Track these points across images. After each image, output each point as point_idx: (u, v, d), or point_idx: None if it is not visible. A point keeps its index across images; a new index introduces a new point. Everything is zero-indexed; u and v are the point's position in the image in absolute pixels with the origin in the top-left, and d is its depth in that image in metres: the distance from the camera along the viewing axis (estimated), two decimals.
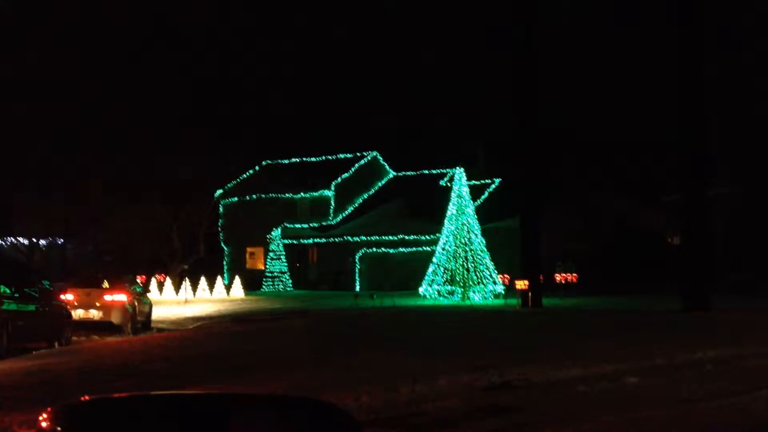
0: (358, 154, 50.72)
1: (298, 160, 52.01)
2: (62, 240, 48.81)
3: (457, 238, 32.54)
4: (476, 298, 31.57)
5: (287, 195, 48.09)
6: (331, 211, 47.34)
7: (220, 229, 48.98)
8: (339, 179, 47.83)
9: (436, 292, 32.14)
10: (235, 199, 49.01)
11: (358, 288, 41.05)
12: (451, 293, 31.82)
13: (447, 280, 32.12)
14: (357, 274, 43.26)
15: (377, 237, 43.60)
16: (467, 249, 32.36)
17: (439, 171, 48.00)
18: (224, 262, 48.88)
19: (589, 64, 72.54)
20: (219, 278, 41.09)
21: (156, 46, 49.94)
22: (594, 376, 10.78)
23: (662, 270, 34.74)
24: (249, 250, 49.14)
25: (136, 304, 20.70)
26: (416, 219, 43.43)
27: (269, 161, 52.62)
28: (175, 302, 32.94)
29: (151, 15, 53.90)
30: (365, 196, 49.65)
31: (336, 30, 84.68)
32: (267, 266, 43.98)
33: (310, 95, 79.27)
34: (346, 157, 50.63)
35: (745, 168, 40.61)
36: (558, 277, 33.18)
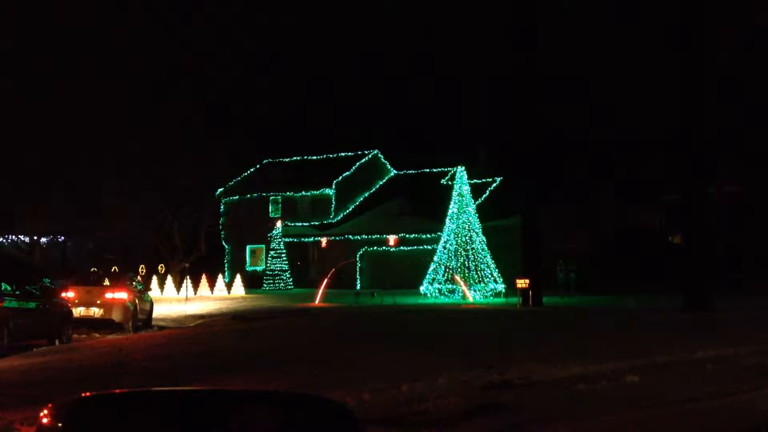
0: (359, 152, 50.71)
1: (299, 159, 52.01)
2: (63, 238, 48.88)
3: (458, 236, 32.53)
4: (477, 296, 31.56)
5: (288, 193, 48.10)
6: (332, 209, 47.35)
7: (221, 227, 48.99)
8: (340, 177, 47.81)
9: (437, 291, 32.14)
10: (236, 197, 49.00)
11: (359, 286, 41.05)
12: (452, 292, 31.81)
13: (448, 279, 32.11)
14: (358, 273, 43.27)
15: (378, 235, 43.63)
16: (468, 247, 32.35)
17: (440, 169, 47.99)
18: (225, 261, 48.89)
19: (590, 64, 72.51)
20: (220, 276, 41.11)
21: (157, 45, 49.96)
22: (594, 375, 10.79)
23: (663, 269, 34.71)
24: (250, 248, 49.15)
25: (137, 301, 20.69)
26: (417, 217, 43.42)
27: (270, 159, 52.62)
28: (176, 300, 32.96)
29: (151, 15, 53.91)
30: (366, 194, 49.64)
31: (337, 29, 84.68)
32: (268, 264, 43.98)
33: (311, 94, 79.26)
34: (347, 156, 50.62)
35: (744, 166, 40.61)
36: (558, 276, 33.18)
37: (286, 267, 43.26)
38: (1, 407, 8.97)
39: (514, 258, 30.45)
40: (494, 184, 45.25)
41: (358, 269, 42.96)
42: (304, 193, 47.95)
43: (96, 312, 19.90)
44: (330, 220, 47.01)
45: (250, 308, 28.72)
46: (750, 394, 9.34)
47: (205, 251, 45.75)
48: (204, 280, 39.53)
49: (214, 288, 39.64)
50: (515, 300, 27.81)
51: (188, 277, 35.94)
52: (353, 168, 48.90)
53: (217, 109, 50.82)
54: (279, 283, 42.83)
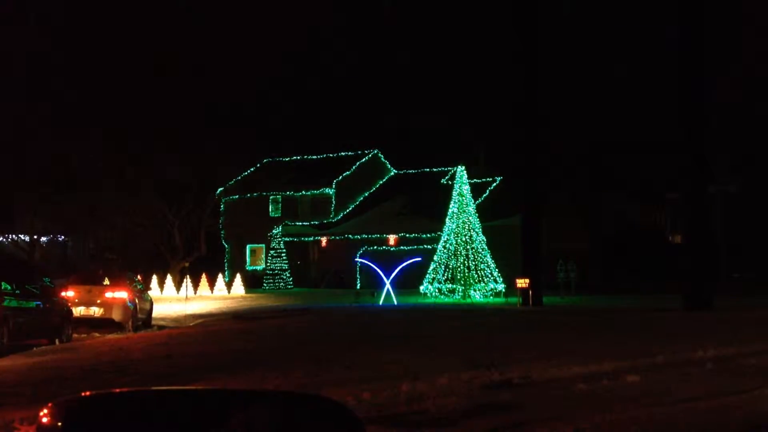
0: (359, 152, 50.70)
1: (299, 158, 51.97)
2: (63, 237, 48.85)
3: (458, 236, 32.51)
4: (477, 296, 31.54)
5: (288, 193, 48.10)
6: (332, 208, 47.34)
7: (221, 226, 48.98)
8: (340, 177, 47.80)
9: (437, 291, 32.13)
10: (236, 196, 48.97)
11: (359, 286, 41.04)
12: (452, 291, 31.80)
13: (448, 279, 32.11)
14: (358, 272, 43.24)
15: (378, 235, 43.61)
16: (468, 247, 32.33)
17: (440, 169, 47.95)
18: (225, 260, 48.87)
19: (590, 64, 72.47)
20: (220, 276, 41.08)
21: (156, 45, 49.96)
22: (594, 375, 10.78)
23: (663, 269, 34.74)
24: (250, 247, 49.13)
25: (137, 301, 20.69)
26: (417, 217, 43.38)
27: (270, 159, 52.57)
28: (176, 300, 32.95)
29: (151, 14, 53.93)
30: (366, 194, 49.63)
31: (337, 28, 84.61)
32: (268, 264, 43.97)
33: (311, 93, 79.25)
34: (347, 155, 50.61)
35: (744, 165, 40.65)
36: (558, 276, 33.17)
37: (286, 266, 43.25)
38: (0, 406, 8.96)
39: (514, 258, 30.42)
40: (494, 184, 45.23)
41: (358, 269, 42.95)
42: (304, 192, 47.95)
43: (96, 311, 19.90)
44: (330, 220, 47.00)
45: (250, 308, 28.72)
46: (750, 394, 9.34)
47: (205, 251, 45.74)
48: (204, 279, 39.50)
49: (214, 287, 39.62)
50: (515, 300, 27.80)
51: (188, 276, 35.91)
52: (353, 167, 48.89)
53: (217, 109, 50.74)
54: (279, 283, 42.82)
